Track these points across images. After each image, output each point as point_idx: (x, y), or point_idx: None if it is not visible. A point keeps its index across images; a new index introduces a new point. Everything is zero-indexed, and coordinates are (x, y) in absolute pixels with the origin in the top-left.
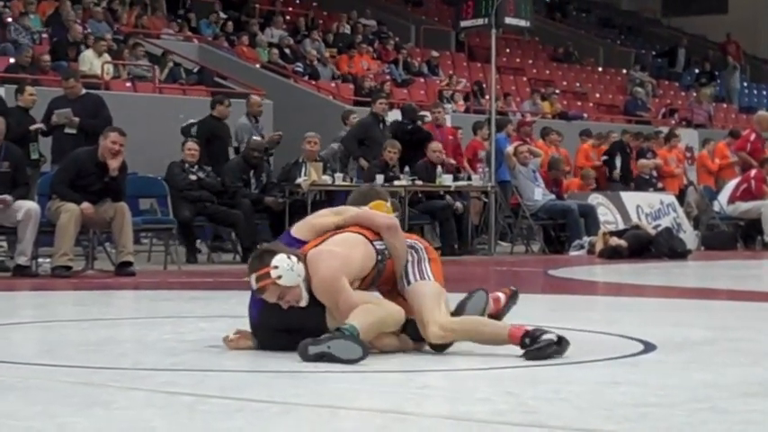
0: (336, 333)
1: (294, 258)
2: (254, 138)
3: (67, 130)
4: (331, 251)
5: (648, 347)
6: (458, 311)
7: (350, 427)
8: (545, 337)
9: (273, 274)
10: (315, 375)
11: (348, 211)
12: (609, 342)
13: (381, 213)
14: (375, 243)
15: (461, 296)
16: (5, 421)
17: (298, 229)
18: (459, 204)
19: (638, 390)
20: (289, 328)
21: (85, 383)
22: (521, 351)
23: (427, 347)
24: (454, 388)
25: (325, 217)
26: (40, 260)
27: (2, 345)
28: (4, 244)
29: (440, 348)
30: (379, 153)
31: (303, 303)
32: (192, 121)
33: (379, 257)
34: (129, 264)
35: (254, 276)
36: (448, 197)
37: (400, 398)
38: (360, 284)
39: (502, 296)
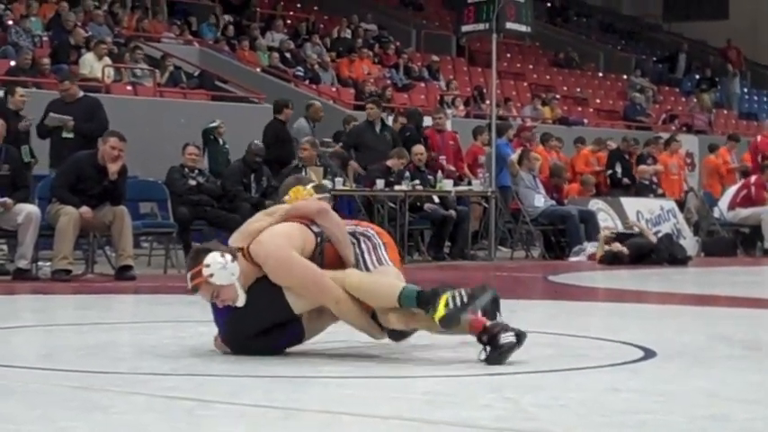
0: (450, 292)
1: (228, 257)
2: (256, 142)
3: (64, 134)
4: (271, 233)
5: (648, 354)
6: None
7: None
8: (504, 340)
9: (205, 272)
10: (316, 380)
11: (279, 210)
12: (609, 348)
13: (309, 201)
14: (312, 227)
15: None
16: (5, 425)
17: (234, 240)
18: (452, 212)
19: (638, 396)
20: (263, 329)
21: (85, 388)
22: (480, 349)
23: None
24: (456, 394)
25: (259, 221)
26: (41, 263)
27: (2, 348)
28: (5, 247)
29: (398, 336)
30: (376, 158)
31: (240, 303)
32: (213, 124)
33: (318, 239)
34: (129, 268)
35: (188, 275)
36: (451, 210)
37: (402, 404)
38: None
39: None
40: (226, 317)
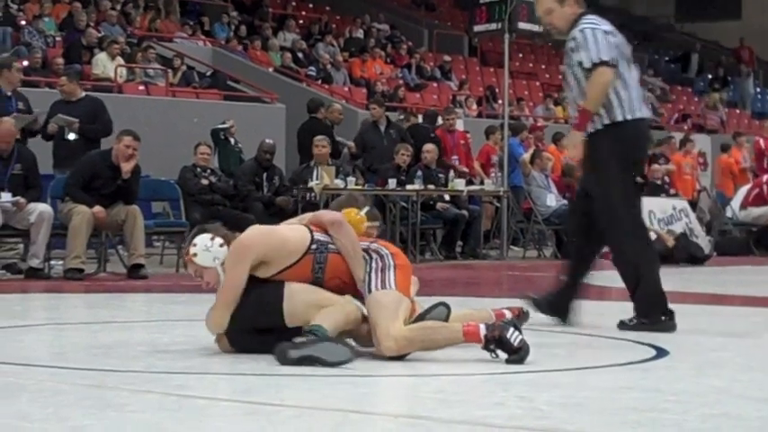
0: (314, 338)
1: (217, 240)
2: (267, 141)
3: (68, 136)
4: (257, 227)
5: (661, 353)
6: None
7: None
8: (515, 340)
9: (191, 250)
10: (328, 379)
11: (306, 217)
12: (622, 347)
13: (328, 211)
14: (315, 234)
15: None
16: (18, 423)
17: None
18: (464, 211)
19: (651, 395)
20: (256, 329)
21: (98, 386)
22: (488, 355)
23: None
24: (468, 392)
25: (291, 224)
26: (53, 262)
27: (14, 347)
28: (19, 247)
29: (396, 358)
30: (383, 157)
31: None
32: (223, 125)
33: (314, 246)
34: (141, 266)
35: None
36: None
37: (414, 402)
38: (288, 270)
39: (508, 314)
40: None
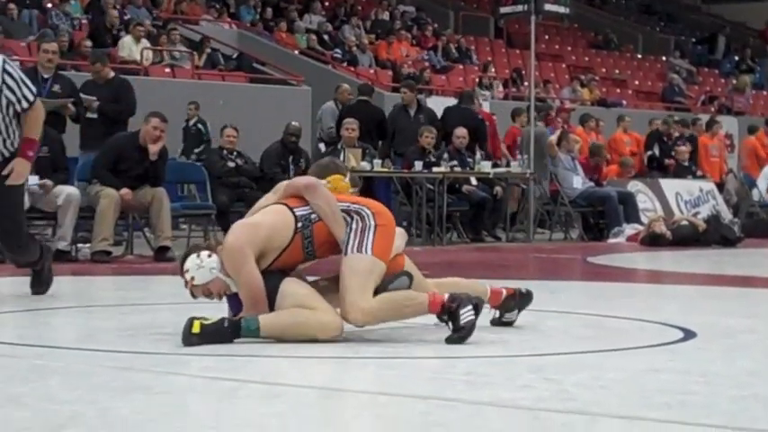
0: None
1: (204, 254)
2: (293, 123)
3: (88, 115)
4: (239, 223)
5: (689, 335)
6: (378, 292)
7: (391, 414)
8: (464, 318)
9: (187, 276)
10: (355, 361)
11: (281, 187)
12: (649, 329)
13: (302, 177)
14: (296, 209)
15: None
16: (48, 405)
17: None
18: (498, 189)
19: (679, 377)
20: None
21: (126, 368)
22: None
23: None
24: (496, 374)
25: (265, 200)
26: (80, 245)
27: (43, 330)
28: (48, 231)
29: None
30: (411, 141)
31: (234, 289)
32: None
33: (300, 224)
34: (168, 249)
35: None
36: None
37: (443, 384)
38: (282, 255)
39: (504, 292)
40: (236, 303)
